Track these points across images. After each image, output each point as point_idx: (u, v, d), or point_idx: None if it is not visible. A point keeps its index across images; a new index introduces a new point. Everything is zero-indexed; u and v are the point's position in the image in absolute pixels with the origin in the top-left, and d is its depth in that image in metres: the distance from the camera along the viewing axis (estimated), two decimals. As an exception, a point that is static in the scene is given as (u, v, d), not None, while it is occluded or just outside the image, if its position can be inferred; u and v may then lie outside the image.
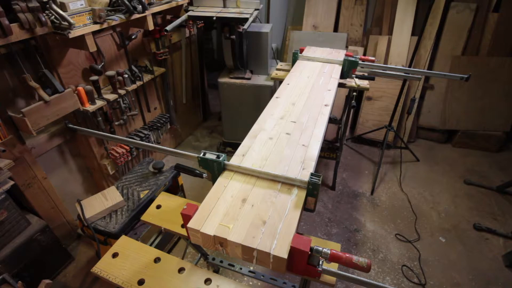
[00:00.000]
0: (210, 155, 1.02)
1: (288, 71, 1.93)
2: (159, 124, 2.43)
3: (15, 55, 1.41)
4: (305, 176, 0.96)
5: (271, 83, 2.37)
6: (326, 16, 3.02)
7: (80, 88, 1.69)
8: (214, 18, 2.09)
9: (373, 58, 1.82)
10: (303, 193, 0.93)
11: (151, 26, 1.88)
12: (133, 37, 2.03)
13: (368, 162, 2.81)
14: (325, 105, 1.43)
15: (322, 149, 2.50)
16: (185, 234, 0.99)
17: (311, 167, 1.03)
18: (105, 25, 1.58)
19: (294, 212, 0.87)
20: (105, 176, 2.11)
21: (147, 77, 2.16)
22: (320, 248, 0.79)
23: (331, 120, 2.39)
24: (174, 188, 1.89)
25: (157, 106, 2.49)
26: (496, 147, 2.86)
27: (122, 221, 1.49)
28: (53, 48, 1.57)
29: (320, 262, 0.81)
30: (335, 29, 3.06)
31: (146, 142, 2.03)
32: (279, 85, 1.72)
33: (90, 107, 1.74)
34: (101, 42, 1.83)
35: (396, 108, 2.55)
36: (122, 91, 1.93)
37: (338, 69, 1.79)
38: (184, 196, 2.03)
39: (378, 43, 2.88)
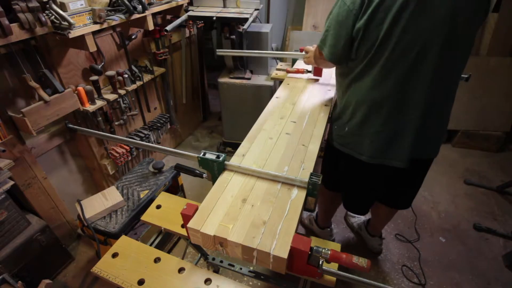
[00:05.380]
0: (210, 155, 1.02)
1: (288, 71, 1.93)
2: (159, 124, 2.43)
3: (15, 55, 1.41)
4: (305, 176, 0.96)
5: (271, 83, 2.37)
6: (326, 16, 3.01)
7: (80, 88, 1.69)
8: (214, 18, 2.09)
9: (373, 58, 1.82)
10: (303, 193, 0.93)
11: (151, 26, 1.88)
12: (133, 37, 2.03)
13: (368, 162, 2.80)
14: (325, 105, 1.43)
15: (322, 149, 2.51)
16: (185, 234, 0.99)
17: (311, 167, 1.03)
18: (105, 25, 1.58)
19: (294, 212, 0.87)
20: (105, 176, 2.11)
21: (147, 77, 2.16)
22: (320, 248, 0.79)
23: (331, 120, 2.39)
24: (174, 188, 1.89)
25: (157, 106, 2.49)
26: (496, 147, 2.86)
27: (122, 221, 1.49)
28: (53, 48, 1.57)
29: (320, 262, 0.81)
30: (335, 29, 3.06)
31: (146, 142, 2.03)
32: (279, 85, 1.72)
33: (90, 107, 1.74)
34: (101, 42, 1.83)
35: (396, 108, 2.55)
36: (122, 91, 1.93)
37: (338, 69, 1.79)
38: (184, 196, 2.03)
39: (378, 43, 2.88)
